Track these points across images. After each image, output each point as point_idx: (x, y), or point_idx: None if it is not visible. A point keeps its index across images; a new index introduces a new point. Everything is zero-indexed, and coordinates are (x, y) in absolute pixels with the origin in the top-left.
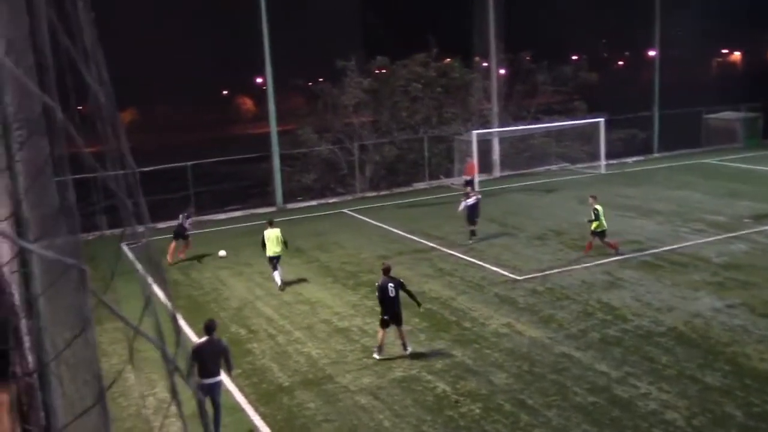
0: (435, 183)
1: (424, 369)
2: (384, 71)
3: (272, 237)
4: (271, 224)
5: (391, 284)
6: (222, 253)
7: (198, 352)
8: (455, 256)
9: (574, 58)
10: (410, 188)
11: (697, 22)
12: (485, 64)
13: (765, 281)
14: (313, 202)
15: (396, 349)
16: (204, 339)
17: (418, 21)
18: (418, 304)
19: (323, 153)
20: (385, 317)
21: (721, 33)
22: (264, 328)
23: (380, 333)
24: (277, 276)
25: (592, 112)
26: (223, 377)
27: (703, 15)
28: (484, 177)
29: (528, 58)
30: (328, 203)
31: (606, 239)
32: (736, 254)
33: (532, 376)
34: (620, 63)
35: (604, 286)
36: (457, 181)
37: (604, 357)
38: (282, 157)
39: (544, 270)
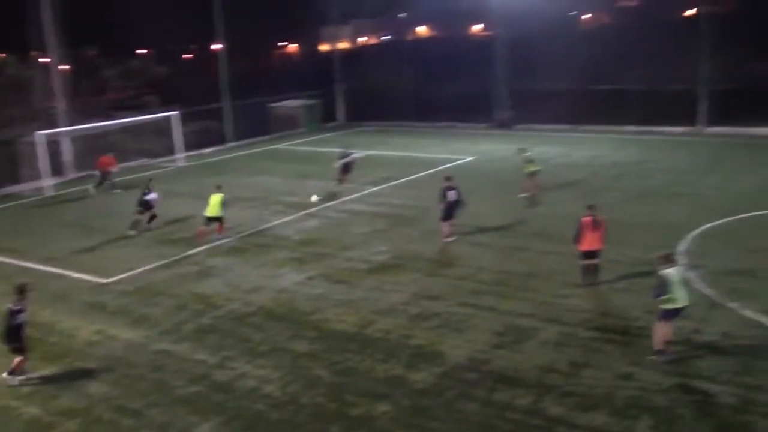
0: (1, 192)
1: (8, 396)
2: None
3: None
4: None
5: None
6: (314, 198)
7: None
8: (34, 268)
9: (142, 52)
10: None
11: (258, 15)
12: (46, 60)
13: (336, 251)
14: None
15: None
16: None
17: None
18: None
19: None
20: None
21: (280, 27)
22: None
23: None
24: None
25: (166, 105)
26: None
27: (263, 9)
28: (58, 180)
29: (93, 52)
30: None
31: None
32: (311, 230)
33: (130, 379)
34: (188, 56)
35: (195, 276)
36: (27, 187)
37: (201, 346)
38: None
39: (134, 269)
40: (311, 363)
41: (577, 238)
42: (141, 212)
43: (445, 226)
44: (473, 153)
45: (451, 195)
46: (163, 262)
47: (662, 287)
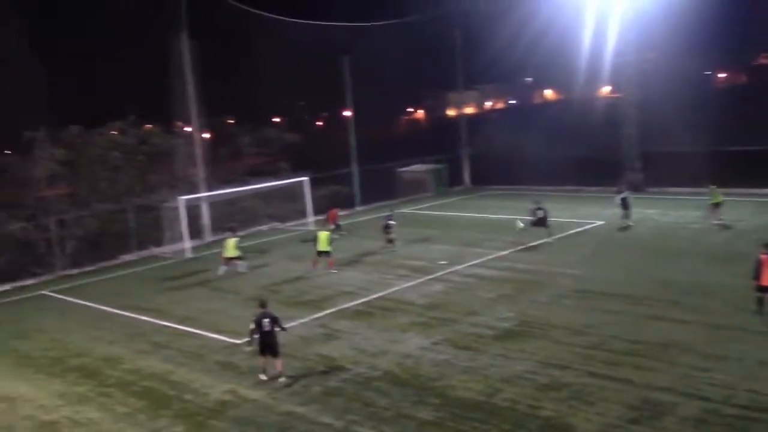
0: (144, 254)
1: None
2: (79, 140)
3: None
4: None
5: (266, 319)
6: (521, 224)
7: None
8: (170, 327)
9: (276, 120)
10: (117, 261)
11: (386, 83)
12: (187, 129)
13: (462, 316)
14: (6, 287)
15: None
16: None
17: (113, 87)
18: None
19: (14, 232)
20: (261, 347)
21: (407, 93)
22: None
23: (260, 359)
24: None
25: (297, 171)
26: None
27: (391, 76)
28: (196, 242)
29: (230, 121)
30: (24, 286)
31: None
32: (436, 294)
33: None
34: (319, 123)
35: (321, 339)
36: (168, 249)
37: (326, 409)
38: None
39: None
40: (436, 431)
41: (756, 275)
42: (389, 232)
43: (544, 233)
44: (602, 217)
45: (539, 213)
46: (291, 324)
47: None
